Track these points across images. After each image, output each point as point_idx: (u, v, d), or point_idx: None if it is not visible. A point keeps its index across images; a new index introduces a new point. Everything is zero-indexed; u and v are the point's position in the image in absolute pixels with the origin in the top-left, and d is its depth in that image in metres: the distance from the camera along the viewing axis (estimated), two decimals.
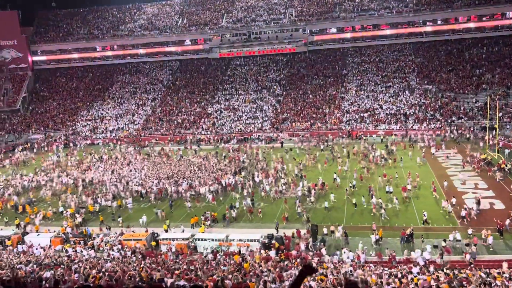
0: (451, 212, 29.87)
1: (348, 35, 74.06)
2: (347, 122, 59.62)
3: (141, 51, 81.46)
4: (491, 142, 44.26)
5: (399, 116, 58.68)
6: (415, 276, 19.07)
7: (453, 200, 30.73)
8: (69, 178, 44.31)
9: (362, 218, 30.74)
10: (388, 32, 72.24)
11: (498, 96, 56.24)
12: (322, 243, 26.85)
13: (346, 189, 35.29)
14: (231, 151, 51.72)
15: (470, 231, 26.15)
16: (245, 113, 66.34)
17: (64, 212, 35.32)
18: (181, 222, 32.09)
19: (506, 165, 37.99)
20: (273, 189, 36.38)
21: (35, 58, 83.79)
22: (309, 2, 79.30)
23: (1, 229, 33.60)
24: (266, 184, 37.64)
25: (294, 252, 25.17)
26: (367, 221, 29.73)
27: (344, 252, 24.96)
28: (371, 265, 22.90)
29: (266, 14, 79.22)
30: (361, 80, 68.41)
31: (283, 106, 66.54)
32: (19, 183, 44.14)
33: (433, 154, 44.38)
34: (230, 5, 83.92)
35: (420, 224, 28.69)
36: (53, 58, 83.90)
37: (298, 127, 60.71)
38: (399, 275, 19.29)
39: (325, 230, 28.37)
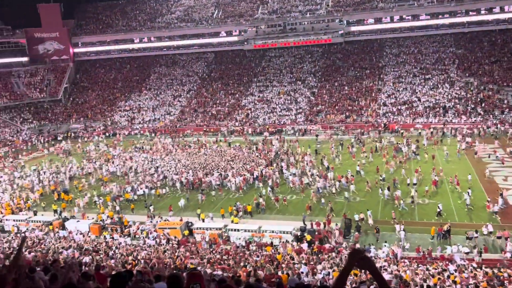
0: (469, 205, 29.42)
1: (386, 26, 72.31)
2: (384, 115, 58.43)
3: (177, 43, 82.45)
4: None
5: (438, 109, 56.98)
6: (452, 274, 18.60)
7: (469, 192, 30.37)
8: (114, 166, 45.49)
9: (385, 211, 30.36)
10: (428, 22, 70.01)
11: None
12: (357, 232, 26.77)
13: (367, 182, 35.05)
14: (262, 143, 51.74)
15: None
16: (279, 105, 66.13)
17: (98, 200, 36.38)
18: (209, 212, 32.52)
19: None
20: (302, 181, 36.45)
21: (76, 50, 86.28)
22: None
23: (42, 214, 35.01)
24: (292, 175, 37.68)
25: (327, 246, 25.01)
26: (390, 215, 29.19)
27: (385, 246, 24.56)
28: (406, 260, 22.50)
29: (302, 5, 78.37)
30: (398, 72, 66.76)
31: (318, 98, 65.90)
32: (68, 170, 45.68)
33: (476, 152, 42.35)
34: None
35: (434, 219, 28.23)
36: (93, 49, 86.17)
37: (332, 119, 60.01)
38: (435, 272, 18.85)
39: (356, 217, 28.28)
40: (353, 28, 73.65)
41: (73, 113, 75.35)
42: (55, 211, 35.04)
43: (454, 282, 16.97)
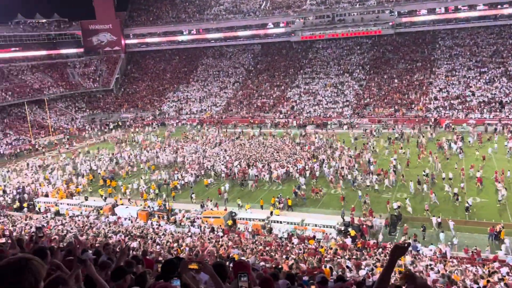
0: (501, 200, 28.57)
1: (440, 17, 69.43)
2: (435, 110, 56.35)
3: (225, 34, 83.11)
4: None
5: (493, 104, 54.26)
6: (504, 276, 17.75)
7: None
8: (165, 155, 46.69)
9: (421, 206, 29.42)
10: (485, 13, 66.58)
11: None
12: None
13: (402, 175, 34.75)
14: (304, 135, 51.29)
15: None
16: (325, 98, 65.30)
17: (142, 187, 37.46)
18: (249, 202, 32.74)
19: None
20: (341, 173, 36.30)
21: (128, 41, 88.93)
22: None
23: (94, 200, 36.57)
24: (330, 168, 37.37)
25: (371, 242, 24.57)
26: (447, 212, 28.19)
27: (433, 244, 23.84)
28: (454, 260, 21.72)
29: None
30: (452, 65, 64.02)
31: (366, 91, 64.49)
32: (116, 158, 47.47)
33: None
34: None
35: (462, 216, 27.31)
36: (143, 41, 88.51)
37: (381, 113, 58.57)
38: (486, 274, 18.07)
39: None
40: (405, 19, 71.29)
41: (123, 103, 77.92)
42: (101, 196, 36.56)
43: (506, 285, 16.20)
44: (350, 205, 30.28)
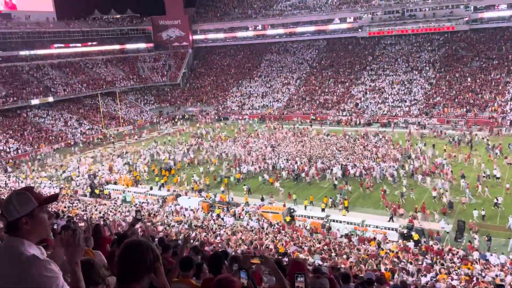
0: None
1: None
2: (511, 111, 52.68)
3: (291, 30, 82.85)
4: None
5: None
6: None
7: None
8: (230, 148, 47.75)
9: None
10: None
11: None
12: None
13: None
14: (361, 135, 49.90)
15: None
16: (392, 96, 63.18)
17: (196, 179, 38.31)
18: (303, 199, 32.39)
19: None
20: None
21: (195, 37, 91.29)
22: None
23: (159, 189, 38.02)
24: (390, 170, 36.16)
25: (435, 247, 23.51)
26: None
27: (494, 254, 22.42)
28: None
29: None
30: None
31: (436, 89, 61.59)
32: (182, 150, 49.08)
33: None
34: None
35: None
36: (210, 37, 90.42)
37: (451, 113, 55.70)
38: None
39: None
40: (481, 15, 67.13)
41: (189, 97, 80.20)
42: (162, 185, 38.14)
43: None
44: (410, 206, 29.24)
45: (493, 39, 66.88)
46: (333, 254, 20.24)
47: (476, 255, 22.52)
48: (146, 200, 34.94)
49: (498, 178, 33.41)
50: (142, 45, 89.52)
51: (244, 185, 36.35)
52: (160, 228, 24.78)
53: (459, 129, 50.07)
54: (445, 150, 41.69)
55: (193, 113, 72.51)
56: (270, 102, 71.53)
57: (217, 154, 46.12)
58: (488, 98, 56.24)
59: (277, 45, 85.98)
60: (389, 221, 27.73)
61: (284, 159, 41.62)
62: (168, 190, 36.76)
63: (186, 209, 31.73)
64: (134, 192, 36.88)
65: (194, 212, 31.15)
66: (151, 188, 37.88)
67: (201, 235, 23.13)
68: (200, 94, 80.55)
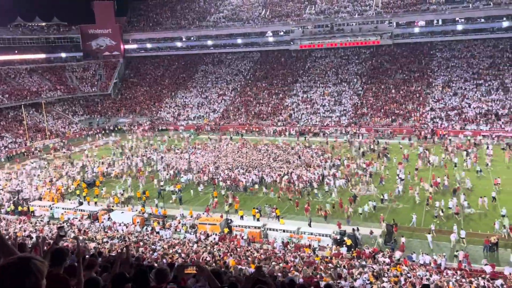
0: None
1: (438, 29, 69.99)
2: (432, 120, 56.65)
3: (224, 41, 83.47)
4: None
5: (490, 116, 54.61)
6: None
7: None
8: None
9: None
10: (482, 26, 67.17)
11: None
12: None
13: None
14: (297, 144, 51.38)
15: None
16: (323, 106, 65.55)
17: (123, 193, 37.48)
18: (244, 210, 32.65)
19: None
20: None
21: (127, 46, 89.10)
22: None
23: (93, 204, 36.46)
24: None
25: (367, 251, 24.57)
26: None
27: (422, 255, 23.87)
28: (449, 271, 21.73)
29: (350, 6, 77.23)
30: (449, 76, 64.47)
31: (363, 100, 64.78)
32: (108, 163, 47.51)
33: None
34: None
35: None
36: (142, 46, 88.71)
37: (378, 122, 58.82)
38: (480, 286, 18.12)
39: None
40: (403, 30, 71.83)
41: (121, 108, 77.89)
42: (84, 198, 37.15)
43: None
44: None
45: (414, 53, 71.72)
46: (274, 262, 20.48)
47: (397, 254, 24.13)
48: (76, 216, 33.34)
49: (402, 179, 36.34)
50: (70, 54, 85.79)
51: (173, 194, 36.46)
52: (92, 245, 23.74)
53: (366, 139, 52.59)
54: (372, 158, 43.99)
55: (125, 124, 70.50)
56: (206, 112, 71.34)
57: (163, 166, 45.23)
58: (411, 108, 60.05)
59: (212, 56, 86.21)
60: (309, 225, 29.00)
61: (226, 169, 41.71)
62: (88, 204, 35.84)
63: (120, 224, 30.66)
64: (63, 209, 35.06)
65: (127, 227, 30.18)
66: (81, 204, 36.24)
67: (137, 250, 22.45)
68: (133, 104, 78.55)
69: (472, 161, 40.42)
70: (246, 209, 32.69)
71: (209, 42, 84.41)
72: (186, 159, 47.13)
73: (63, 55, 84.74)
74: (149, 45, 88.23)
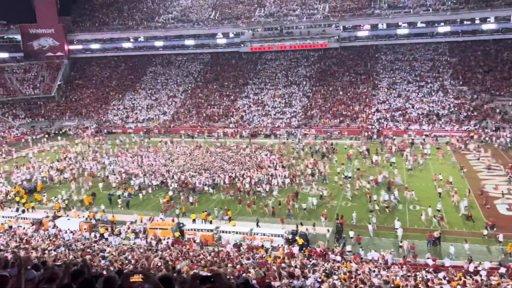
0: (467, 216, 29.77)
1: (382, 32, 72.76)
2: (377, 121, 58.72)
3: (173, 43, 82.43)
4: None
5: (431, 116, 57.37)
6: (440, 280, 18.70)
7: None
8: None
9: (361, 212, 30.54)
10: (423, 30, 70.58)
11: None
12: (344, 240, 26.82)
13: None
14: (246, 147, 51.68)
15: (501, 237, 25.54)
16: (274, 108, 66.23)
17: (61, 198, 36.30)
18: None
19: None
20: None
21: (71, 47, 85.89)
22: None
23: (17, 211, 34.83)
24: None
25: (318, 249, 25.05)
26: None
27: (370, 251, 24.65)
28: (396, 266, 22.56)
29: (299, 9, 78.62)
30: (393, 78, 67.17)
31: (312, 102, 66.09)
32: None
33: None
34: None
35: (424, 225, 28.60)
36: (88, 47, 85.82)
37: (327, 123, 60.20)
38: (424, 279, 18.93)
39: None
40: (349, 34, 74.01)
41: (66, 111, 74.92)
42: (23, 205, 35.37)
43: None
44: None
45: (360, 56, 74.10)
46: (230, 264, 20.39)
47: (349, 247, 25.32)
48: (18, 224, 31.66)
49: (349, 177, 37.95)
50: (9, 55, 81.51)
51: (119, 198, 35.66)
52: (35, 254, 22.59)
53: (311, 140, 53.97)
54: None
55: (71, 128, 67.87)
56: (156, 115, 70.06)
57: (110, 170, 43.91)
58: (358, 110, 61.95)
59: (161, 57, 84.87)
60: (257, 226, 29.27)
61: (178, 172, 41.14)
62: (28, 211, 34.31)
63: (66, 232, 29.43)
64: (3, 217, 33.20)
65: (73, 235, 29.01)
66: (23, 211, 34.47)
67: (84, 258, 21.62)
68: (79, 107, 75.80)
69: (412, 160, 42.39)
70: (198, 212, 32.40)
71: (158, 43, 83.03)
72: (138, 162, 46.10)
73: (2, 55, 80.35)
74: (95, 46, 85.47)
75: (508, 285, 17.77)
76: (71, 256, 21.42)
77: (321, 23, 74.25)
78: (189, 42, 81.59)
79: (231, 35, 79.48)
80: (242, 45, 77.99)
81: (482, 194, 32.64)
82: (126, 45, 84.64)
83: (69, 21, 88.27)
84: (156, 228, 29.27)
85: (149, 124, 67.51)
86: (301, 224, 28.79)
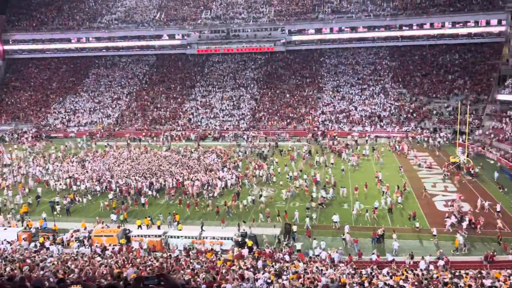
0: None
1: (326, 37, 74.72)
2: (323, 123, 60.19)
3: (118, 44, 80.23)
4: (460, 146, 45.50)
5: (373, 118, 59.62)
6: (384, 276, 19.43)
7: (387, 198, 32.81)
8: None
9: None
10: (365, 35, 73.26)
11: (469, 102, 57.75)
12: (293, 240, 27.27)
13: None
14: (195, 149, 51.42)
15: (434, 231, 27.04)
16: (222, 111, 66.12)
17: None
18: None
19: (474, 169, 39.18)
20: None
21: (6, 47, 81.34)
22: (288, 2, 79.58)
23: None
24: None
25: (267, 251, 25.24)
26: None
27: (318, 250, 25.17)
28: (341, 265, 23.17)
29: (245, 12, 79.08)
30: (337, 81, 69.16)
31: (260, 104, 66.64)
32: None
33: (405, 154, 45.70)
34: (210, 2, 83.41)
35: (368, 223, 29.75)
36: (25, 47, 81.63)
37: (274, 126, 60.93)
38: (369, 276, 19.58)
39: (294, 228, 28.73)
40: (295, 38, 75.38)
41: (1, 114, 70.78)
42: None
43: (386, 284, 17.76)
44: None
45: (305, 60, 75.65)
46: (182, 272, 20.06)
47: (299, 245, 26.18)
48: None
49: (292, 178, 39.16)
50: None
51: (58, 204, 34.23)
52: None
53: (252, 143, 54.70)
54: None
55: (7, 132, 64.18)
56: (99, 118, 67.79)
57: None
58: (304, 112, 63.19)
59: (104, 59, 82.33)
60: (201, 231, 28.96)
61: (123, 176, 39.99)
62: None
63: (2, 242, 27.74)
64: None
65: (11, 245, 27.41)
66: None
67: (22, 269, 20.47)
68: (16, 110, 71.90)
69: (353, 160, 44.21)
70: (142, 218, 31.67)
71: (101, 44, 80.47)
72: (83, 167, 44.44)
73: None
74: (33, 47, 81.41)
75: (445, 277, 18.78)
76: (8, 268, 20.21)
77: (267, 27, 75.10)
78: (134, 43, 79.72)
79: (177, 37, 78.52)
80: (188, 47, 77.26)
81: (424, 195, 34.19)
82: (67, 46, 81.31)
83: (4, 20, 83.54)
84: (101, 236, 28.29)
85: (92, 127, 65.24)
86: (244, 222, 29.53)
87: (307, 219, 29.21)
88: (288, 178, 39.35)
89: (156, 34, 79.11)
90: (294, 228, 28.19)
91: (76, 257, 24.27)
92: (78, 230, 29.79)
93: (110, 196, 35.58)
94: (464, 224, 27.60)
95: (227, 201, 33.64)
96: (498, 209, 29.85)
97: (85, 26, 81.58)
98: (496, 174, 38.03)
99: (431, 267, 22.27)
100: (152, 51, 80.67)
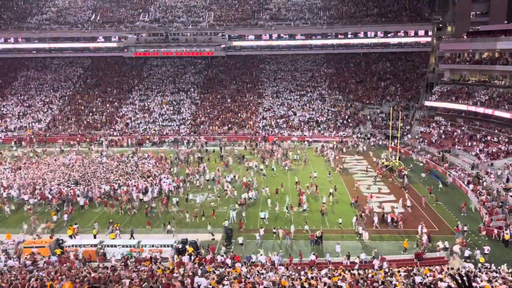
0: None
1: (265, 43, 75.81)
2: (263, 128, 60.89)
3: (49, 45, 76.43)
4: (391, 150, 47.87)
5: (311, 123, 61.21)
6: (323, 277, 19.94)
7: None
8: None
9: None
10: (303, 42, 75.17)
11: (400, 108, 60.99)
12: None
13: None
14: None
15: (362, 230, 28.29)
16: (161, 115, 64.93)
17: None
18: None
19: (405, 171, 41.37)
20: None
21: None
22: (227, 8, 79.93)
23: None
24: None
25: (208, 257, 25.04)
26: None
27: (261, 255, 25.33)
28: (282, 267, 23.48)
29: (185, 16, 78.38)
30: (277, 87, 70.31)
31: (201, 109, 66.21)
32: None
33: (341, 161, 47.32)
34: (148, 5, 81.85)
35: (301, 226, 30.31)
36: None
37: (215, 131, 60.75)
38: (309, 277, 20.01)
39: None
40: (235, 43, 75.77)
41: None
42: None
43: (325, 284, 18.26)
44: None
45: (246, 65, 76.26)
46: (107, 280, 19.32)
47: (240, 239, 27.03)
48: None
49: (229, 181, 39.69)
50: None
51: None
52: None
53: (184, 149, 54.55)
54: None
55: None
56: (29, 123, 64.06)
57: None
58: (245, 117, 63.57)
59: (35, 61, 78.10)
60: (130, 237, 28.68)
61: (56, 184, 37.98)
62: None
63: None
64: None
65: None
66: None
67: None
68: None
69: (284, 164, 45.52)
70: (81, 226, 30.35)
71: (31, 45, 76.27)
72: (11, 174, 41.74)
73: None
74: None
75: (379, 275, 19.63)
76: None
77: (207, 31, 74.91)
78: (67, 45, 76.33)
79: (113, 39, 76.17)
80: (126, 50, 75.23)
81: (357, 201, 35.35)
82: None
83: None
84: (32, 247, 26.68)
85: (21, 133, 61.53)
86: (169, 223, 30.12)
87: (233, 212, 31.28)
88: (225, 181, 39.64)
89: (91, 36, 76.24)
90: (240, 240, 27.79)
91: (3, 271, 22.75)
92: (1, 242, 27.87)
93: (31, 201, 33.99)
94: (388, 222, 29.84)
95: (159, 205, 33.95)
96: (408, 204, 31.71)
97: (14, 25, 77.01)
98: (423, 175, 41.24)
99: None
100: (87, 53, 77.67)
